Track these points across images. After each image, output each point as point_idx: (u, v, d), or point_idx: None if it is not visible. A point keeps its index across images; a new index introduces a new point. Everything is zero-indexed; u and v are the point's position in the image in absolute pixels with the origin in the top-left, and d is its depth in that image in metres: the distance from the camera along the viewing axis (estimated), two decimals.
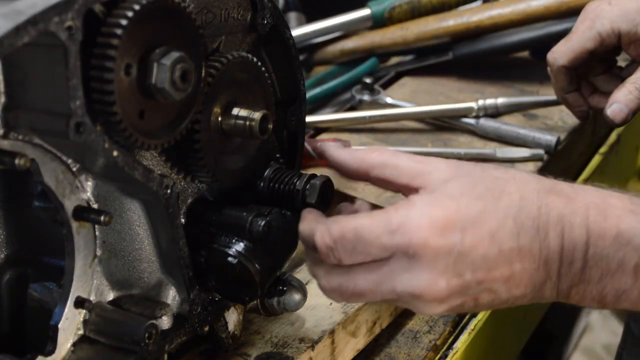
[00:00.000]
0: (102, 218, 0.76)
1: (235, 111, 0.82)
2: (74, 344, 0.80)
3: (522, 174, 0.77)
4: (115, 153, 0.71)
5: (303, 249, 0.81)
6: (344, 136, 1.45)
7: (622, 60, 1.34)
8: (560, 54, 1.26)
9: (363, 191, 1.24)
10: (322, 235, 0.74)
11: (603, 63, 1.31)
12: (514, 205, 0.73)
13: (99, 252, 0.82)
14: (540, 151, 1.38)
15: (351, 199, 1.07)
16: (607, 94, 1.25)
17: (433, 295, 0.72)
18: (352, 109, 1.58)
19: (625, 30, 1.21)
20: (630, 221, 0.73)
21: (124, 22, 0.67)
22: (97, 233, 0.81)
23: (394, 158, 0.78)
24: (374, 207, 0.83)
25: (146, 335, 0.78)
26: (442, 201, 0.72)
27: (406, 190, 0.77)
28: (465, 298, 0.73)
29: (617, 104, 1.19)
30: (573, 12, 1.34)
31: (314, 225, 0.76)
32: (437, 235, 0.70)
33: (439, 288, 0.71)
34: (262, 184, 0.89)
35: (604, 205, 0.74)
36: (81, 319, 0.80)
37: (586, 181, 1.52)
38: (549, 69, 1.30)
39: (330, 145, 0.84)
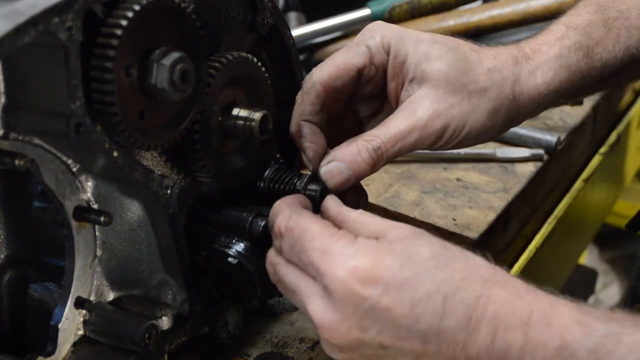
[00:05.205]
0: (102, 218, 0.76)
1: (235, 111, 0.82)
2: (74, 344, 0.80)
3: (480, 260, 0.72)
4: (115, 153, 0.71)
5: None
6: None
7: None
8: None
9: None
10: (279, 221, 0.76)
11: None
12: (453, 284, 0.68)
13: (99, 253, 0.82)
14: (540, 151, 1.38)
15: None
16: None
17: (330, 335, 0.70)
18: None
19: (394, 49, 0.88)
20: (576, 333, 0.67)
21: (124, 22, 0.67)
22: (97, 233, 0.81)
23: (365, 216, 0.76)
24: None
25: (146, 335, 0.78)
26: (378, 252, 0.70)
27: None
28: (363, 358, 0.71)
29: (338, 162, 0.85)
30: None
31: (284, 208, 0.77)
32: (355, 282, 0.69)
33: (338, 332, 0.70)
34: (262, 184, 0.89)
35: (550, 312, 0.68)
36: (81, 319, 0.80)
37: (586, 181, 1.51)
38: None
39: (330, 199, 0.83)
